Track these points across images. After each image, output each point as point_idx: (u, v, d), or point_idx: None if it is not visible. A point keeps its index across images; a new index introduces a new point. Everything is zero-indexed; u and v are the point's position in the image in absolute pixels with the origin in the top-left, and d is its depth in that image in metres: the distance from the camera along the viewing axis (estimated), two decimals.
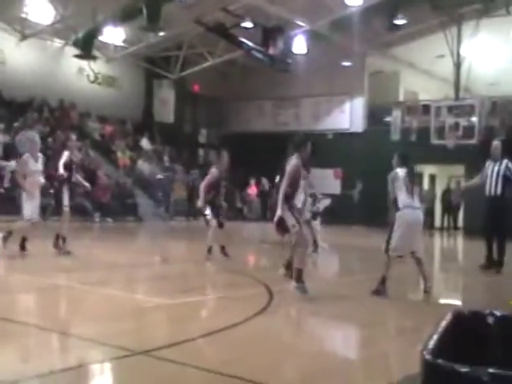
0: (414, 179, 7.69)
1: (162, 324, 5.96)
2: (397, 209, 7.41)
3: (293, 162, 7.13)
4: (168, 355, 4.38)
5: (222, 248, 10.37)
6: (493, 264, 10.01)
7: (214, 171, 10.33)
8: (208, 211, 10.22)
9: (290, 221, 6.92)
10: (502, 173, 9.82)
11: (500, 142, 10.35)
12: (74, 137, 10.58)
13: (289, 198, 7.00)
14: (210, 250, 10.24)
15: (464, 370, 1.77)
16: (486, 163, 10.12)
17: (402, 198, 7.38)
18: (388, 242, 7.42)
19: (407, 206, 7.36)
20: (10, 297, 6.64)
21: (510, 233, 10.10)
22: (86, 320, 5.68)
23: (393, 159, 7.78)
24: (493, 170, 9.89)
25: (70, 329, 5.29)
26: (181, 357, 4.39)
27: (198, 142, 28.29)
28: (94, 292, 7.06)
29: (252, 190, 25.48)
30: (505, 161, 9.90)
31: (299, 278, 6.94)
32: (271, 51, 19.91)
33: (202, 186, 10.25)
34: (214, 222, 10.22)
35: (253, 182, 25.67)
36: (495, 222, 9.96)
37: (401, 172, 7.52)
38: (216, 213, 10.27)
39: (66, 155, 9.87)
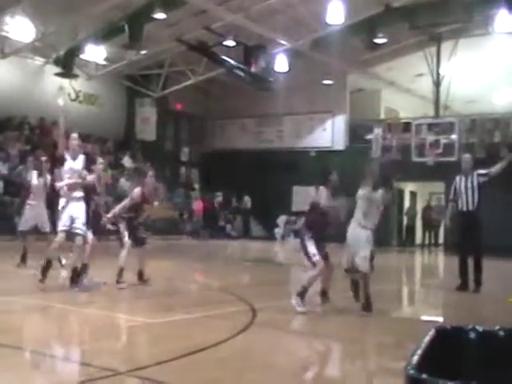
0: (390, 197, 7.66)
1: (146, 343, 5.91)
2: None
3: (323, 194, 7.36)
4: (152, 374, 4.34)
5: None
6: (466, 286, 9.57)
7: (136, 192, 9.07)
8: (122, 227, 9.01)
9: (311, 250, 7.15)
10: (475, 184, 9.56)
11: (470, 156, 10.18)
12: (100, 159, 9.86)
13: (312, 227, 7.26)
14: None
15: None
16: (456, 178, 9.85)
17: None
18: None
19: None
20: None
21: (485, 248, 9.85)
22: (68, 340, 5.62)
23: (369, 174, 7.65)
24: (466, 185, 9.62)
25: (52, 349, 5.22)
26: (165, 376, 4.35)
27: (179, 160, 28.29)
28: (77, 312, 6.99)
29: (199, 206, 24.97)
30: (475, 172, 9.67)
31: (302, 295, 7.06)
32: (253, 69, 20.08)
33: (120, 206, 9.05)
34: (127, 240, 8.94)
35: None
36: (471, 237, 9.58)
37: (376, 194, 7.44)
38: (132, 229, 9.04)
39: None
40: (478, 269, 9.61)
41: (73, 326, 6.14)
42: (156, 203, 9.78)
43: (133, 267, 9.07)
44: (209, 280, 10.27)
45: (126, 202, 9.03)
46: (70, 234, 8.52)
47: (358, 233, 7.36)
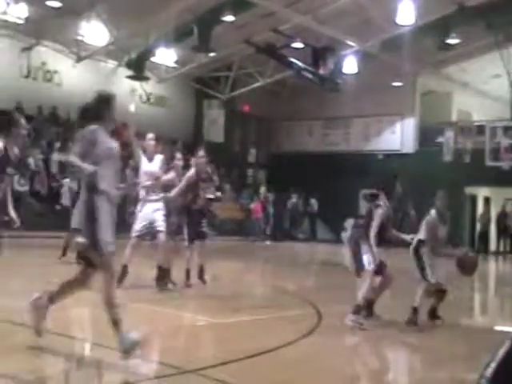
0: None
1: (212, 343, 5.94)
2: None
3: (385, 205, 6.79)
4: (216, 374, 4.34)
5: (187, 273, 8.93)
6: None
7: (189, 172, 8.86)
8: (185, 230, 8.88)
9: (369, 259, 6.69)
10: None
11: None
12: (179, 155, 9.41)
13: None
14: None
15: None
16: None
17: None
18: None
19: None
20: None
21: None
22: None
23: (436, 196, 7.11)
24: None
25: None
26: (229, 376, 4.34)
27: (247, 162, 28.43)
28: (144, 309, 7.10)
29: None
30: None
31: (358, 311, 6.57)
32: (321, 71, 19.91)
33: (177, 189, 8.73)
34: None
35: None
36: None
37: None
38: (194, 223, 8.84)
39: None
40: None
41: (140, 324, 6.23)
42: (216, 182, 9.57)
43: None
44: (276, 282, 10.23)
45: (181, 184, 8.71)
46: (147, 234, 8.63)
47: None
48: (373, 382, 4.72)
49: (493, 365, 2.04)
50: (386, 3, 19.10)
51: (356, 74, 22.58)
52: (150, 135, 8.69)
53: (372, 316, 6.94)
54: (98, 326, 5.53)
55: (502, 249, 24.00)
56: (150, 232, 8.58)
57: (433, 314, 6.98)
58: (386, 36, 20.83)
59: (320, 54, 19.82)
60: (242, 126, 28.20)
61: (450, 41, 20.05)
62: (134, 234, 8.39)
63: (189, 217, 8.87)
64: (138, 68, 22.13)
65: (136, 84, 23.25)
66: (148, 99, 24.37)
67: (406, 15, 18.55)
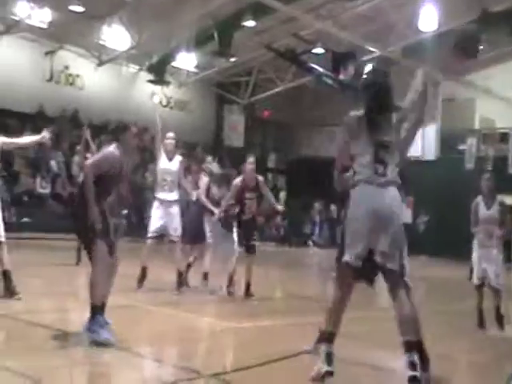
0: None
1: (230, 347, 5.89)
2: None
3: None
4: (235, 379, 4.30)
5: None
6: None
7: (236, 181, 8.59)
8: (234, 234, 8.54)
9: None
10: None
11: None
12: (251, 159, 8.84)
13: None
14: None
15: None
16: None
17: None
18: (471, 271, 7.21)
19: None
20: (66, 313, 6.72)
21: None
22: (154, 341, 5.66)
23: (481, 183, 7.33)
24: None
25: (138, 348, 5.27)
26: (248, 381, 4.30)
27: (266, 167, 28.39)
28: (163, 313, 7.07)
29: None
30: None
31: None
32: (342, 77, 19.80)
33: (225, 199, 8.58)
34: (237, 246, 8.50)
35: None
36: None
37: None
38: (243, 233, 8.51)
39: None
40: None
41: (159, 327, 6.19)
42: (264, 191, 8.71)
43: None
44: (295, 288, 10.16)
45: (229, 194, 8.53)
46: (162, 236, 8.48)
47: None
48: None
49: None
50: (408, 9, 18.96)
51: None
52: (171, 134, 8.63)
53: None
54: (117, 329, 5.50)
55: None
56: (164, 234, 8.46)
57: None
58: (407, 42, 20.68)
59: (340, 59, 19.72)
60: (261, 131, 28.18)
61: None
62: (149, 234, 8.33)
63: (239, 228, 8.49)
64: (159, 72, 22.22)
65: (157, 88, 23.34)
66: (168, 103, 24.45)
67: (428, 21, 18.40)
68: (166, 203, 8.35)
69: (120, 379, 4.50)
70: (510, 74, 22.80)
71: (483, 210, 7.15)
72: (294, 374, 4.71)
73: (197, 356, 5.14)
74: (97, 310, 4.94)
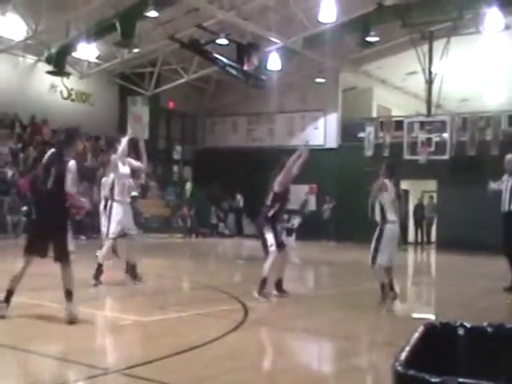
0: (399, 193, 7.80)
1: (138, 341, 5.91)
2: (385, 221, 7.48)
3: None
4: (142, 373, 4.34)
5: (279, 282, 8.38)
6: None
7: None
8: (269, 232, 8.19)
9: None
10: None
11: None
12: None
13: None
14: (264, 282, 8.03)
15: (434, 379, 1.80)
16: (503, 177, 9.46)
17: (388, 211, 7.48)
18: (374, 255, 7.52)
19: (392, 221, 7.49)
20: None
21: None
22: (59, 339, 5.60)
23: (380, 169, 7.80)
24: (507, 185, 9.30)
25: (43, 348, 5.21)
26: (156, 375, 4.36)
27: (172, 159, 28.25)
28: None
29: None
30: None
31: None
32: (246, 67, 20.00)
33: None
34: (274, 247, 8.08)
35: None
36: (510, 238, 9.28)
37: (389, 183, 7.59)
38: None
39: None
40: None
41: (63, 325, 6.12)
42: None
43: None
44: (201, 278, 10.26)
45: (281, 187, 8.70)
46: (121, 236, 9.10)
47: (397, 229, 7.75)
48: (297, 374, 4.84)
49: (407, 349, 2.15)
50: (309, 1, 19.39)
51: (280, 70, 22.84)
52: (124, 138, 9.30)
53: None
54: (16, 329, 5.39)
55: (419, 239, 24.90)
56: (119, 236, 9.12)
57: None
58: (308, 33, 21.14)
59: (244, 50, 19.90)
60: (166, 123, 27.99)
61: (370, 38, 20.57)
62: (110, 235, 8.92)
63: (274, 226, 8.31)
64: (59, 63, 21.52)
65: (57, 80, 22.63)
66: (69, 95, 23.78)
67: (328, 13, 18.89)
68: (124, 204, 8.99)
69: (23, 380, 4.44)
70: (402, 65, 23.87)
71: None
72: (199, 365, 4.79)
73: (103, 352, 5.13)
74: None
